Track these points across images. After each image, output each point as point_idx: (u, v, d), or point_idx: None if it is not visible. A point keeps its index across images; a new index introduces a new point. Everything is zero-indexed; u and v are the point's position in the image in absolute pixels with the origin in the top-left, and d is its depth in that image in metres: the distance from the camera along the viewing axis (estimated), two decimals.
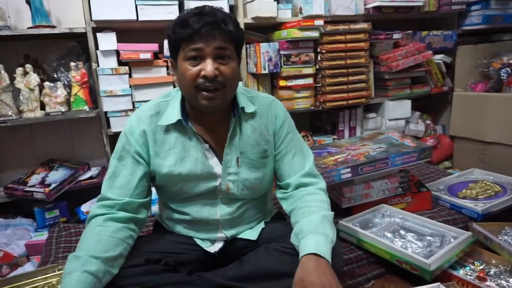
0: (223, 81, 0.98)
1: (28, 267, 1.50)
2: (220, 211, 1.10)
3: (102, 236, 0.94)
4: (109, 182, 1.04)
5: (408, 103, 2.28)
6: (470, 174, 1.92)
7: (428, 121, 2.45)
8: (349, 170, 1.45)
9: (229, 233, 1.12)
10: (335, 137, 2.21)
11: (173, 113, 1.05)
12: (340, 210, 1.54)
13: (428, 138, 2.40)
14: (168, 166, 1.05)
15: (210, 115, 1.06)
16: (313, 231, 0.95)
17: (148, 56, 1.76)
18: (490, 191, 1.66)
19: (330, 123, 2.28)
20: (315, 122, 2.44)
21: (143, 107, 1.10)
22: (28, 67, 1.71)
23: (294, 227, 1.01)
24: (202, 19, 0.94)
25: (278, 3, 1.99)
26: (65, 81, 1.83)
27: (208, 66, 0.95)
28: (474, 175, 1.91)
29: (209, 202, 1.10)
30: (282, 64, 1.92)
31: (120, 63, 1.77)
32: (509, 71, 2.10)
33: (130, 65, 1.78)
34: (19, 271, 1.47)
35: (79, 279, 0.85)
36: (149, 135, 1.05)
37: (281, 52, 1.91)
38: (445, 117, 2.51)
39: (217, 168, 1.07)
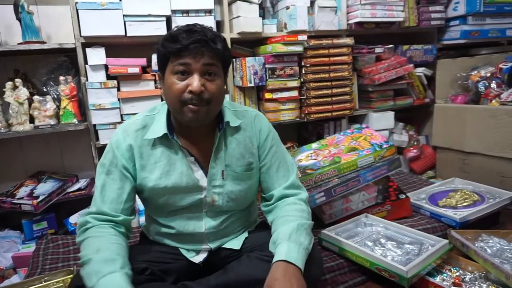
0: (209, 98, 1.00)
1: (15, 280, 1.51)
2: (206, 224, 1.13)
3: (121, 245, 0.97)
4: (101, 196, 1.05)
5: (391, 115, 2.35)
6: (451, 184, 1.97)
7: (411, 132, 2.51)
8: (322, 194, 1.49)
9: (214, 245, 1.15)
10: None
11: (159, 127, 1.07)
12: (324, 223, 1.58)
13: (412, 148, 2.46)
14: (153, 180, 1.08)
15: (195, 128, 1.08)
16: (286, 238, 0.99)
17: (136, 70, 1.80)
18: (469, 199, 1.72)
19: (316, 134, 2.33)
20: (301, 133, 2.49)
21: (129, 121, 1.12)
22: (18, 81, 1.74)
23: (272, 236, 1.05)
24: (192, 36, 0.98)
25: (263, 18, 2.06)
26: (55, 95, 1.87)
27: (195, 82, 0.98)
28: (455, 184, 1.97)
29: (194, 216, 1.13)
30: (268, 78, 1.98)
31: (109, 77, 1.81)
32: (487, 84, 2.18)
33: (118, 79, 1.82)
34: (6, 283, 1.48)
35: (125, 279, 0.87)
36: (135, 149, 1.07)
37: (267, 65, 1.97)
38: (428, 127, 2.58)
39: (203, 180, 1.10)
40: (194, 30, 0.99)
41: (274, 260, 0.96)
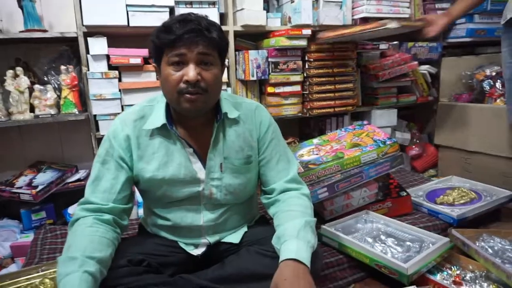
0: (205, 87, 0.99)
1: (13, 269, 1.50)
2: (204, 217, 1.12)
3: (94, 236, 0.95)
4: (93, 186, 1.04)
5: (394, 112, 2.32)
6: (448, 181, 1.97)
7: (414, 130, 2.50)
8: (325, 189, 1.48)
9: (213, 239, 1.14)
10: None
11: (158, 117, 1.06)
12: (324, 219, 1.57)
13: (414, 146, 2.44)
14: (151, 171, 1.06)
15: (194, 119, 1.07)
16: (295, 236, 0.96)
17: (138, 61, 1.78)
18: (466, 197, 1.72)
19: (317, 130, 2.32)
20: (303, 129, 2.48)
21: (127, 111, 1.11)
22: (19, 69, 1.72)
23: (277, 229, 1.03)
24: (185, 25, 0.96)
25: (267, 11, 2.04)
26: (55, 84, 1.85)
27: (191, 71, 0.97)
28: (452, 182, 1.97)
29: (193, 208, 1.11)
30: (270, 71, 1.96)
31: (110, 67, 1.79)
32: (491, 83, 2.16)
33: (120, 69, 1.80)
34: (3, 272, 1.47)
35: (81, 279, 0.84)
36: (132, 140, 1.06)
37: (270, 59, 1.95)
38: (430, 126, 2.56)
39: (201, 173, 1.09)
40: (189, 20, 0.97)
41: (283, 257, 0.93)
